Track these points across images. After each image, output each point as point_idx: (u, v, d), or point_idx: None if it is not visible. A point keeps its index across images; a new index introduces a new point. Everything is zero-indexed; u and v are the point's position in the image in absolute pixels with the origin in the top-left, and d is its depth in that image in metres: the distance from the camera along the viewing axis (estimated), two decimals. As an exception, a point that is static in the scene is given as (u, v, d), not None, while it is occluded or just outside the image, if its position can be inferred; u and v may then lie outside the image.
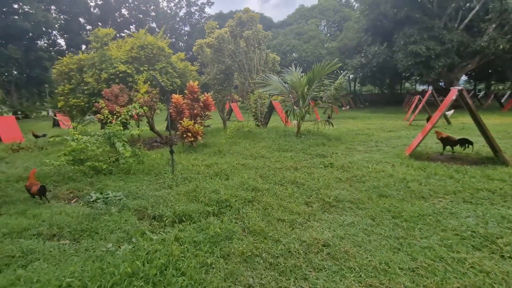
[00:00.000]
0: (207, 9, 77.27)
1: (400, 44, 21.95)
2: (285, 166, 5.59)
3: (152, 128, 9.09)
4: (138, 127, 9.29)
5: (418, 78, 33.65)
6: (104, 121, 7.55)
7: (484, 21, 22.45)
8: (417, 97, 16.74)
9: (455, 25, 22.39)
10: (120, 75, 9.49)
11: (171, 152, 5.38)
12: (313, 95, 8.56)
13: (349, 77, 45.93)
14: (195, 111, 8.08)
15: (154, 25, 48.77)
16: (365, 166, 5.18)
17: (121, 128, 6.11)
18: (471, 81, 44.36)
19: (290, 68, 8.74)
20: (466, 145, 5.94)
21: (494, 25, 21.07)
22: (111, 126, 6.19)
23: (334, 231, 3.07)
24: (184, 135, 7.30)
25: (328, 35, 50.17)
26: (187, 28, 56.31)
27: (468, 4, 24.04)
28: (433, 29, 20.89)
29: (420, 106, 11.27)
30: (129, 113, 6.89)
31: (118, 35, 31.40)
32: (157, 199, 4.18)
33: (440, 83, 29.68)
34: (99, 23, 43.36)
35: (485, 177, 4.12)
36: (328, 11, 51.68)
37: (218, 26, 11.79)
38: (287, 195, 4.13)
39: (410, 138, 8.12)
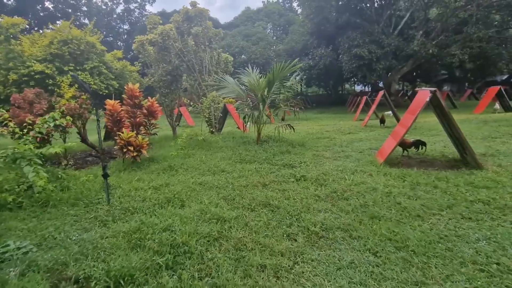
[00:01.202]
0: (148, 7, 72.29)
1: (345, 47, 22.97)
2: (251, 182, 4.76)
3: (84, 140, 7.44)
4: (65, 141, 7.55)
5: (360, 79, 35.98)
6: (12, 136, 5.81)
7: (411, 28, 24.86)
8: (364, 97, 17.50)
9: (391, 30, 24.30)
10: (36, 76, 7.57)
11: (105, 176, 4.13)
12: (273, 98, 7.93)
13: (295, 78, 47.36)
14: (138, 120, 6.76)
15: (86, 21, 43.69)
16: (341, 177, 4.63)
17: (32, 147, 4.58)
18: (400, 82, 49.51)
19: (246, 69, 7.96)
20: (420, 146, 5.96)
21: (421, 32, 23.40)
22: (18, 144, 4.62)
23: (335, 279, 2.33)
24: (125, 150, 5.97)
25: (275, 38, 51.15)
26: (126, 27, 51.91)
27: (398, 13, 26.43)
28: (373, 34, 22.30)
29: (373, 107, 11.55)
30: (47, 125, 5.33)
31: (40, 31, 27.06)
32: (84, 248, 2.99)
33: (379, 84, 32.15)
34: (15, 17, 37.10)
35: (469, 184, 3.87)
36: (273, 14, 52.73)
37: (161, 22, 10.44)
38: (262, 225, 3.30)
39: (372, 140, 8.01)
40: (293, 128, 8.28)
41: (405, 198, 3.59)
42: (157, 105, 7.07)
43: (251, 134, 8.83)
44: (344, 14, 25.51)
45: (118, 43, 49.18)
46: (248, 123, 8.15)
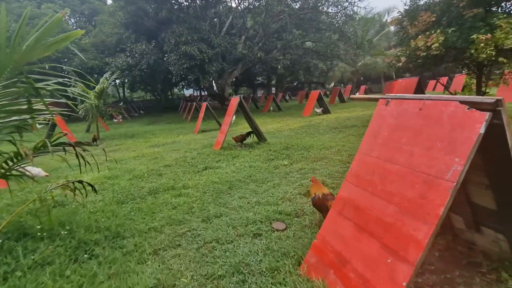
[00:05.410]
0: None
1: (171, 44, 19.11)
2: None
3: None
4: None
5: (192, 83, 33.46)
6: None
7: (231, 34, 24.55)
8: (204, 104, 14.49)
9: (217, 31, 22.79)
10: None
11: None
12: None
13: (115, 81, 38.98)
14: None
15: None
16: None
17: None
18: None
19: None
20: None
21: (243, 37, 23.33)
22: None
23: None
24: None
25: (78, 28, 39.88)
26: None
27: (221, 17, 25.55)
28: (201, 31, 19.77)
29: (228, 120, 8.30)
30: None
31: None
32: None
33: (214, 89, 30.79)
34: None
35: None
36: (71, -2, 40.84)
37: None
38: None
39: (249, 183, 4.56)
40: (95, 189, 3.52)
41: None
42: None
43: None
44: (164, 5, 21.55)
45: None
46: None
